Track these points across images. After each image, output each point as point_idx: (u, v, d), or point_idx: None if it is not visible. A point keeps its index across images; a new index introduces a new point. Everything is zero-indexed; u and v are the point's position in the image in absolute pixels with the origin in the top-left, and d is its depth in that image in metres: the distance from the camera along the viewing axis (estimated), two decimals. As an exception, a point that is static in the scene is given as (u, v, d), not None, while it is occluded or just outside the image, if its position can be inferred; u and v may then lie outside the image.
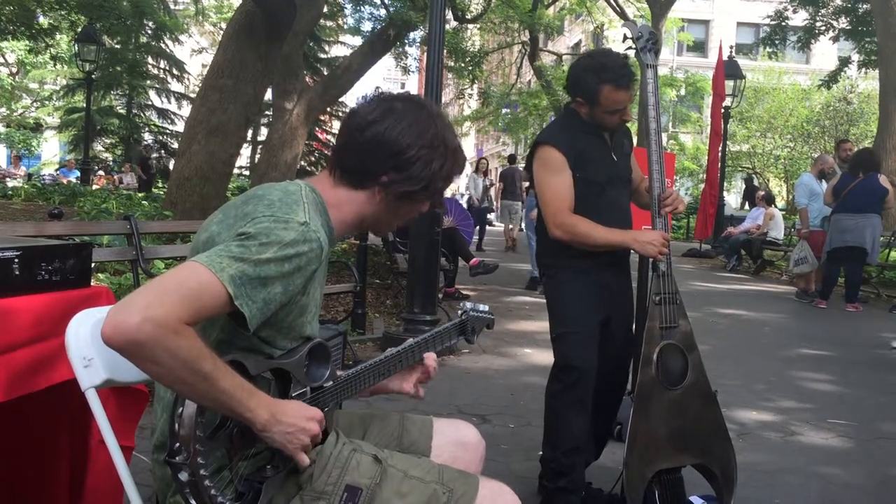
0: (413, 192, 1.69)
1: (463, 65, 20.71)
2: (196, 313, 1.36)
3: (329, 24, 24.58)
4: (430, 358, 1.95)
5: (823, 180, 9.62)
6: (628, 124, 3.13)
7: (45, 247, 2.10)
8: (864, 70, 18.86)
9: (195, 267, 1.40)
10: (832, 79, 19.27)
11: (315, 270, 1.56)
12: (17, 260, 1.99)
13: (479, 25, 22.96)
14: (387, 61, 19.69)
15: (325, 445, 1.67)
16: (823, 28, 18.55)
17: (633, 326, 3.19)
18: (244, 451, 1.52)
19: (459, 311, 2.08)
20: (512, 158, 16.77)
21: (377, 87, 1.93)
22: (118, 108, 27.79)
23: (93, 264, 5.15)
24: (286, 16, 9.61)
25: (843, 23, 18.20)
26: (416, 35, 17.39)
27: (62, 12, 17.26)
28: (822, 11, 18.34)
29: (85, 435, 2.22)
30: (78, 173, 19.55)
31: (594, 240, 2.92)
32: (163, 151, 27.40)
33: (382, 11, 16.55)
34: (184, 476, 1.40)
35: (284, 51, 11.50)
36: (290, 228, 1.49)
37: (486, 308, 2.11)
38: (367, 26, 19.43)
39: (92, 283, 2.26)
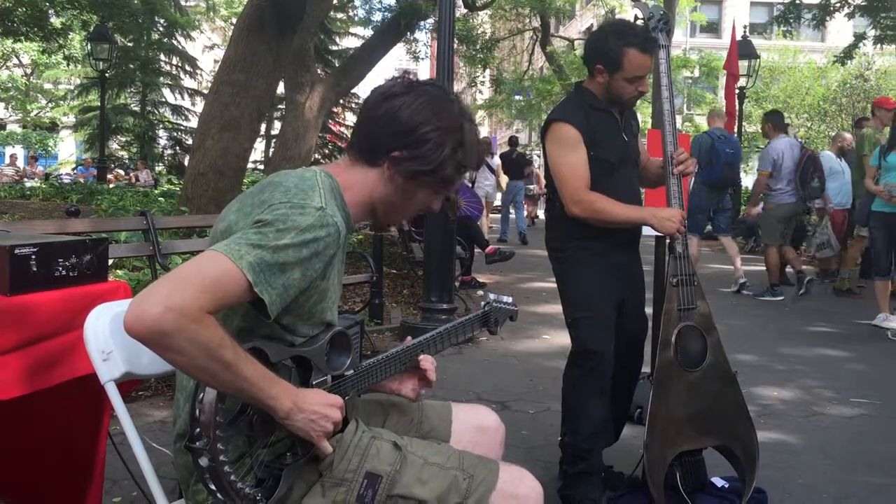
0: (421, 173, 1.67)
1: (475, 51, 20.62)
2: (217, 301, 1.37)
3: (339, 16, 24.54)
4: (427, 361, 1.90)
5: (843, 158, 9.45)
6: (641, 100, 3.10)
7: (62, 243, 2.12)
8: (880, 46, 18.57)
9: (214, 256, 1.41)
10: (847, 55, 18.99)
11: (333, 255, 1.57)
12: (34, 256, 2.01)
13: (489, 12, 22.87)
14: (397, 51, 19.66)
15: (345, 433, 1.67)
16: (838, 4, 18.28)
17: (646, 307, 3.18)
18: (265, 438, 1.53)
19: (483, 303, 2.07)
20: (513, 141, 16.47)
21: (404, 70, 1.91)
22: (132, 105, 27.87)
23: (111, 260, 5.20)
24: (296, 9, 9.61)
25: (858, -2, 17.94)
26: (427, 23, 17.33)
27: (74, 12, 17.32)
28: (837, -13, 18.08)
29: (99, 427, 2.25)
30: (94, 171, 19.68)
31: (614, 216, 2.90)
32: (177, 148, 27.51)
33: (392, 1, 16.51)
34: (204, 461, 1.41)
35: (295, 44, 11.50)
36: (307, 213, 1.49)
37: (510, 300, 2.09)
38: (377, 17, 19.41)
39: (110, 279, 2.28)
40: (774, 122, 8.44)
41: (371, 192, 1.70)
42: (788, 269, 8.91)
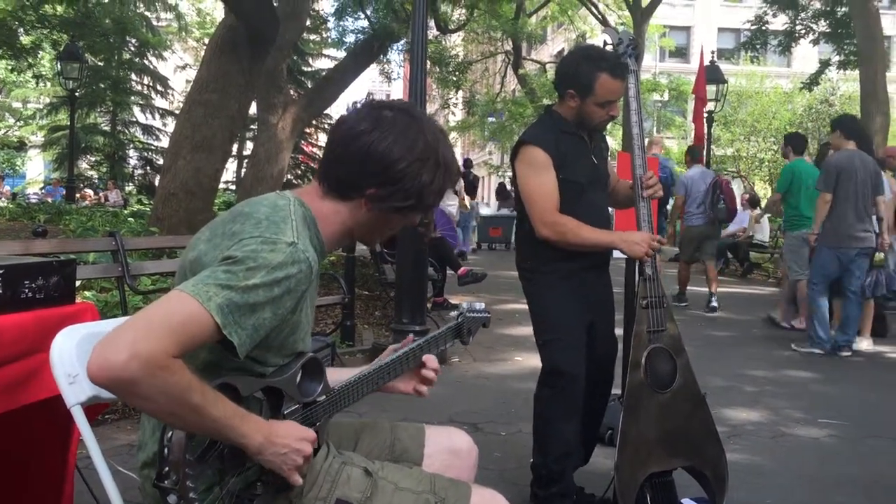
0: (404, 208, 1.66)
1: (448, 73, 20.76)
2: (184, 345, 1.34)
3: (313, 37, 24.61)
4: (431, 361, 1.91)
5: None
6: (611, 123, 3.14)
7: (28, 264, 2.10)
8: (844, 71, 19.01)
9: (181, 297, 1.37)
10: (813, 81, 19.45)
11: (305, 290, 1.54)
12: (0, 278, 1.98)
13: (462, 35, 23.06)
14: (370, 72, 19.75)
15: (316, 458, 1.65)
16: (803, 31, 18.71)
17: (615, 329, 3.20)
18: (235, 469, 1.51)
19: (456, 313, 2.05)
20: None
21: (369, 94, 1.88)
22: (102, 125, 27.68)
23: (79, 282, 5.13)
24: (269, 30, 9.63)
25: (822, 26, 18.36)
26: (400, 44, 17.43)
27: (44, 30, 17.20)
28: (802, 15, 18.49)
29: (66, 452, 2.21)
30: (63, 191, 19.46)
31: (583, 239, 2.92)
32: (148, 167, 27.30)
33: (365, 23, 16.58)
34: (172, 499, 1.39)
35: (268, 65, 11.51)
36: (278, 250, 1.46)
37: (482, 306, 2.07)
38: (350, 38, 19.49)
39: (77, 301, 2.25)
40: (692, 155, 9.69)
41: (346, 221, 1.68)
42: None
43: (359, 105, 1.73)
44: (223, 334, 1.38)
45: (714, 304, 8.87)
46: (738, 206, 11.69)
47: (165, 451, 1.40)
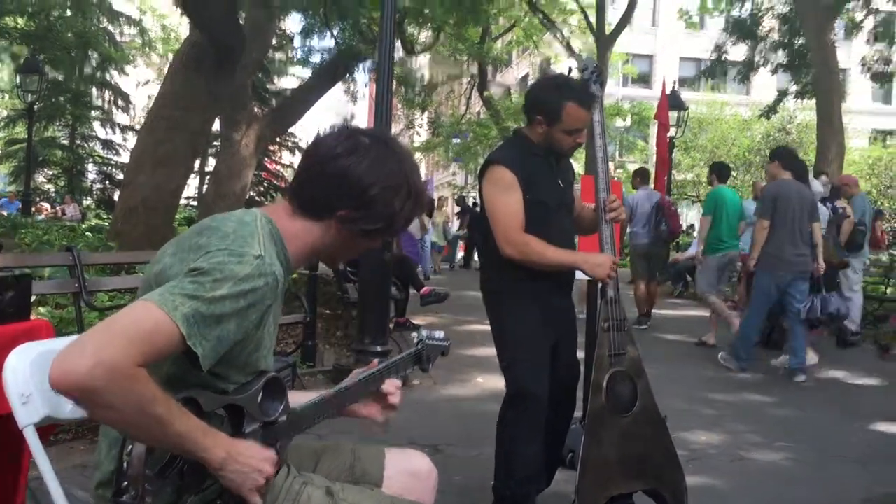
0: (372, 231, 1.69)
1: (414, 94, 20.86)
2: (149, 354, 1.33)
3: (279, 55, 24.56)
4: (392, 385, 1.92)
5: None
6: (579, 150, 3.18)
7: (-19, 279, 2.05)
8: (801, 100, 19.48)
9: (147, 306, 1.36)
10: (771, 109, 19.91)
11: (270, 305, 1.54)
12: (-48, 293, 1.93)
13: (428, 57, 23.20)
14: (335, 91, 19.72)
15: (276, 479, 1.63)
16: (762, 62, 19.15)
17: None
18: (195, 487, 1.49)
19: (416, 340, 2.07)
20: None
21: (346, 118, 1.91)
22: (61, 139, 27.27)
23: (33, 297, 5.03)
24: (235, 48, 9.60)
25: (780, 57, 18.81)
26: (365, 65, 17.47)
27: (3, 43, 16.96)
28: (760, 46, 18.94)
29: (18, 470, 2.15)
30: (19, 205, 19.10)
31: (546, 259, 2.93)
32: (107, 182, 26.93)
33: (332, 43, 16.61)
34: None
35: (233, 81, 11.46)
36: (245, 262, 1.46)
37: (442, 335, 2.10)
38: (316, 58, 19.47)
39: (32, 317, 2.20)
40: (641, 177, 10.17)
41: (314, 242, 1.70)
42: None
43: (336, 128, 1.75)
44: (187, 345, 1.37)
45: (644, 326, 9.26)
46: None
47: (125, 465, 1.37)
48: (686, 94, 18.69)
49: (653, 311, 9.69)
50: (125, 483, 1.37)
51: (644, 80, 37.45)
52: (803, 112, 25.21)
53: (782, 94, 19.72)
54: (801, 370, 6.71)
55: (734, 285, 13.93)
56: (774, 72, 19.58)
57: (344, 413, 1.87)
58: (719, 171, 8.82)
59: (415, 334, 2.09)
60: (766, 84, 25.72)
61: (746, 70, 19.53)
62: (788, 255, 6.64)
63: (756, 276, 6.94)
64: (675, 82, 17.92)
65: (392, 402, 1.93)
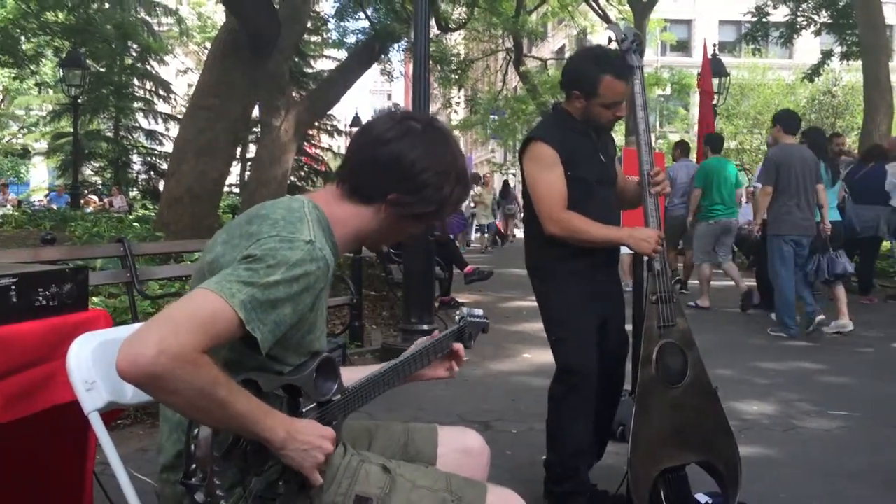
0: (424, 214, 1.72)
1: (450, 72, 20.76)
2: (210, 341, 1.37)
3: (314, 38, 24.62)
4: (458, 347, 2.01)
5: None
6: (618, 122, 3.13)
7: (41, 273, 2.11)
8: (846, 62, 18.95)
9: (206, 294, 1.40)
10: (815, 72, 19.36)
11: (322, 288, 1.57)
12: (14, 287, 1.99)
13: (462, 33, 23.04)
14: (372, 72, 19.76)
15: (334, 457, 1.66)
16: (805, 23, 18.65)
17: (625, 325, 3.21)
18: (258, 467, 1.53)
19: (457, 318, 2.10)
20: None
21: (395, 104, 1.94)
22: (106, 131, 27.67)
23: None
24: (270, 33, 9.64)
25: (824, 16, 18.30)
26: (401, 45, 17.45)
27: (46, 38, 17.25)
28: (803, 6, 18.44)
29: (83, 457, 2.22)
30: (68, 198, 19.50)
31: (591, 236, 2.92)
32: (152, 172, 27.33)
33: (366, 24, 16.59)
34: (200, 497, 1.40)
35: (270, 67, 11.53)
36: (296, 248, 1.49)
37: (481, 312, 2.13)
38: (351, 39, 19.50)
39: (89, 307, 2.26)
40: (682, 149, 10.51)
41: (361, 226, 1.72)
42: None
43: (385, 113, 1.78)
44: (246, 330, 1.41)
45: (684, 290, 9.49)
46: (743, 200, 11.80)
47: (192, 447, 1.41)
48: (726, 60, 18.22)
49: (689, 281, 9.73)
50: (193, 466, 1.41)
51: (683, 46, 36.82)
52: (849, 73, 24.52)
53: (826, 55, 19.19)
54: (814, 315, 6.95)
55: (737, 252, 13.83)
56: (818, 33, 19.06)
57: (409, 379, 1.94)
58: (713, 143, 9.25)
59: (457, 313, 2.11)
60: (809, 46, 25.11)
61: (789, 32, 19.05)
62: (795, 217, 6.78)
63: (767, 242, 7.08)
64: (714, 46, 17.55)
65: (460, 354, 2.02)
